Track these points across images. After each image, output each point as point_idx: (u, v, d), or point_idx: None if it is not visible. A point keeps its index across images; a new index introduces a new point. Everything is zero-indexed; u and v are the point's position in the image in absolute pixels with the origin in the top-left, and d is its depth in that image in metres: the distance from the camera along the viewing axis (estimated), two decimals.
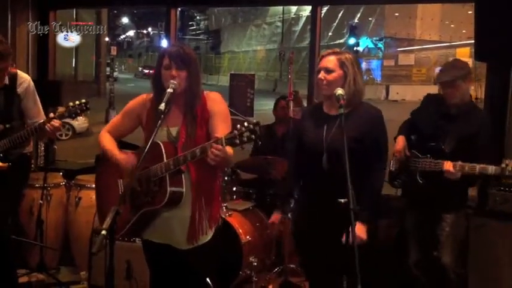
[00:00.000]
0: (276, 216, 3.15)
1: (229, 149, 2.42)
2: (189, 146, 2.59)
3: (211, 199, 2.77)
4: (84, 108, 3.25)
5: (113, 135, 2.93)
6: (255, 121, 2.30)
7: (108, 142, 2.89)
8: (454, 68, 3.58)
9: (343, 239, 2.59)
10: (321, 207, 2.79)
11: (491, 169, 3.30)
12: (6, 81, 3.63)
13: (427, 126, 3.64)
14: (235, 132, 2.30)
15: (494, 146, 3.66)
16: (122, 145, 2.99)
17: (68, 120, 3.36)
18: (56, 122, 3.37)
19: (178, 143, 2.68)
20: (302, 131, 2.93)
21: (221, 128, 2.62)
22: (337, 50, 2.88)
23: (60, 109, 3.36)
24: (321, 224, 2.80)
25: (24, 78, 3.73)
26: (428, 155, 3.54)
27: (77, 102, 3.23)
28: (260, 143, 2.31)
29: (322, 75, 2.78)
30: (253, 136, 2.27)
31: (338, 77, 2.77)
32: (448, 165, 3.37)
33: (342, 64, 2.78)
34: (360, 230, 2.72)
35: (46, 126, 3.39)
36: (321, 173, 2.78)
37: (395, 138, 3.74)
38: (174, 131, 2.73)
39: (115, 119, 3.01)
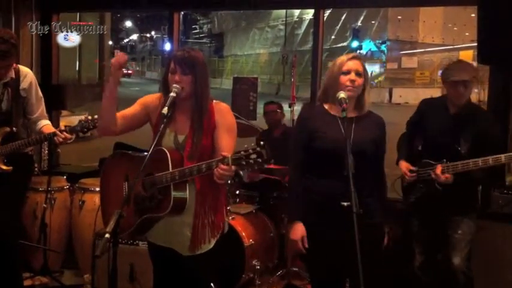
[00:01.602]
0: (301, 229, 2.82)
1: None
2: (195, 155, 2.60)
3: (215, 207, 2.76)
4: (97, 123, 3.24)
5: (119, 117, 2.77)
6: (262, 143, 2.28)
7: None
8: (469, 67, 3.54)
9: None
10: (326, 209, 2.77)
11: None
12: (12, 74, 3.65)
13: (436, 132, 3.58)
14: (242, 153, 2.28)
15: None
16: (122, 147, 2.97)
17: (71, 121, 3.38)
18: (68, 135, 3.37)
19: (184, 151, 2.67)
20: (313, 132, 2.83)
21: (225, 140, 2.62)
22: (356, 54, 2.96)
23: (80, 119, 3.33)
24: (324, 226, 2.79)
25: (27, 73, 3.75)
26: (444, 160, 3.48)
27: (90, 118, 3.22)
28: (265, 166, 2.29)
29: (354, 77, 2.77)
30: (259, 160, 2.26)
31: (363, 82, 2.81)
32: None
33: (364, 70, 2.84)
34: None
35: (55, 138, 3.40)
36: (339, 174, 2.68)
37: (397, 162, 3.72)
38: (181, 138, 2.72)
39: (126, 109, 2.87)
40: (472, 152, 3.41)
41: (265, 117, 5.43)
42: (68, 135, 3.37)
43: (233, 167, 2.36)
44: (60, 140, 3.38)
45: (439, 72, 31.37)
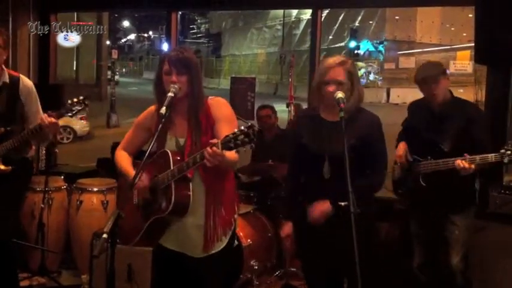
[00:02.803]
0: (288, 227, 3.01)
1: (230, 153, 2.42)
2: (195, 153, 2.58)
3: (225, 205, 2.76)
4: (83, 104, 3.23)
5: (128, 150, 2.95)
6: (249, 124, 2.31)
7: (123, 161, 2.90)
8: (433, 65, 3.65)
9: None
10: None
11: (490, 157, 3.23)
12: (6, 79, 3.63)
13: (421, 131, 3.62)
14: (230, 136, 2.30)
15: (494, 147, 3.66)
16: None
17: (68, 120, 3.35)
18: (53, 120, 3.35)
19: (184, 151, 2.68)
20: (300, 138, 2.88)
21: (226, 131, 2.57)
22: (342, 58, 2.83)
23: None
24: (321, 228, 2.79)
25: (27, 83, 3.74)
26: (429, 157, 3.52)
27: (75, 100, 3.21)
28: (253, 146, 2.31)
29: (333, 88, 2.73)
30: (246, 139, 2.28)
31: (348, 89, 2.76)
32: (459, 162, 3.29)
33: (350, 75, 2.77)
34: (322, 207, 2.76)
35: (41, 122, 3.36)
36: (322, 179, 2.77)
37: (396, 146, 3.74)
38: (182, 141, 2.74)
39: (127, 135, 3.01)
40: (455, 149, 3.41)
41: (259, 121, 5.26)
42: (53, 120, 3.34)
43: (229, 152, 2.38)
44: (46, 123, 3.33)
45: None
